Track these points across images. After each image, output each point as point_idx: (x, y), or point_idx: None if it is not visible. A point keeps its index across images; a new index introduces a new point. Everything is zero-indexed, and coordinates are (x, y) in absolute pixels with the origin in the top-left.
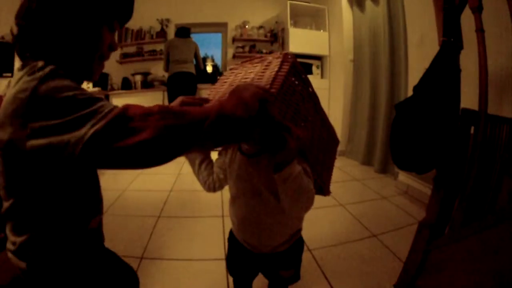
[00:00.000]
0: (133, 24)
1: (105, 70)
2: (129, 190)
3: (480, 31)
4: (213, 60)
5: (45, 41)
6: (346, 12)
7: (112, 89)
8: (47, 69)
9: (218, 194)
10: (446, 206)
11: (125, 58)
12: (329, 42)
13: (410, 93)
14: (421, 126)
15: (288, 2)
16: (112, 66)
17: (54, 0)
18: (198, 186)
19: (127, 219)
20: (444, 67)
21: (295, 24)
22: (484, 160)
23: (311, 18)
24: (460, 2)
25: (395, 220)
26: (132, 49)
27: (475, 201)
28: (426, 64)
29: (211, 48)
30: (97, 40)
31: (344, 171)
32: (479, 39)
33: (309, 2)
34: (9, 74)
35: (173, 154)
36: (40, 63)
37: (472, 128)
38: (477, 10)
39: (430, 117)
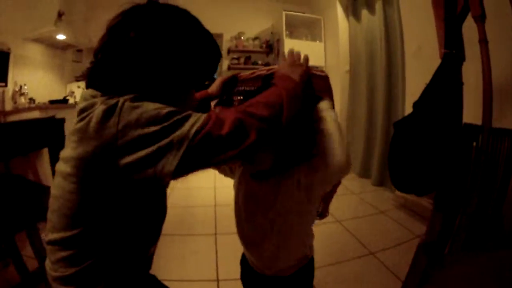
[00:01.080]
0: None
1: None
2: None
3: (483, 41)
4: None
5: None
6: (342, 22)
7: None
8: (132, 95)
9: (211, 210)
10: (447, 226)
11: None
12: (325, 53)
13: (407, 104)
14: (422, 146)
15: (284, 12)
16: None
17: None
18: (191, 202)
19: None
20: (447, 81)
21: (291, 35)
22: (487, 179)
23: (307, 28)
24: (462, 11)
25: (393, 236)
26: None
27: (477, 221)
28: (424, 75)
29: None
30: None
31: (341, 184)
32: (482, 50)
33: (304, 13)
34: (3, 84)
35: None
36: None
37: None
38: (480, 19)
39: (432, 136)
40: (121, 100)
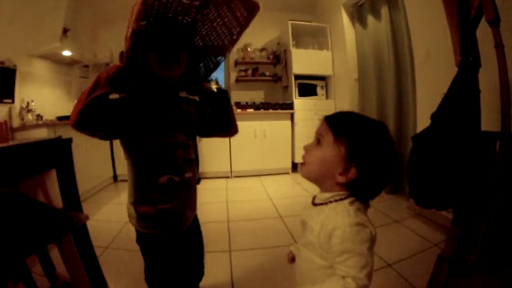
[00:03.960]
0: None
1: None
2: None
3: (499, 46)
4: (217, 83)
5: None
6: (348, 29)
7: None
8: None
9: (224, 226)
10: (467, 235)
11: None
12: (332, 62)
13: (419, 110)
14: (443, 160)
15: (289, 22)
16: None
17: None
18: (205, 217)
19: (132, 255)
20: (465, 91)
21: (297, 45)
22: (507, 185)
23: (313, 37)
24: (476, 15)
25: (410, 246)
26: None
27: (498, 229)
28: (435, 81)
29: (216, 71)
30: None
31: None
32: (499, 55)
33: (310, 21)
34: (10, 100)
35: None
36: None
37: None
38: (495, 23)
39: (454, 149)
40: None
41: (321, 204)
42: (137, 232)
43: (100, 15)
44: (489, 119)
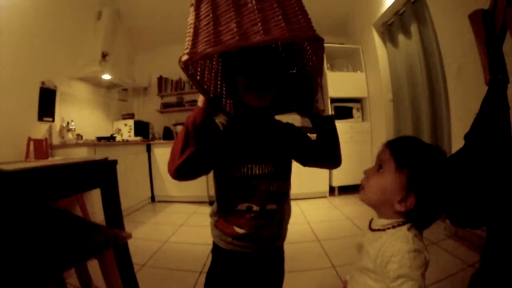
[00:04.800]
0: (173, 74)
1: (146, 119)
2: (170, 242)
3: None
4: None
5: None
6: (380, 49)
7: (154, 138)
8: None
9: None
10: (501, 255)
11: (165, 108)
12: (366, 83)
13: (453, 126)
14: (478, 180)
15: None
16: (153, 116)
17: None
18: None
19: (168, 273)
20: (496, 109)
21: (332, 68)
22: None
23: (347, 59)
24: (501, 31)
25: (446, 267)
26: (172, 99)
27: None
28: (467, 96)
29: None
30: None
31: None
32: None
33: (343, 44)
34: (50, 119)
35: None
36: None
37: None
38: None
39: (487, 168)
40: None
41: (379, 230)
42: (213, 242)
43: (137, 40)
44: None
